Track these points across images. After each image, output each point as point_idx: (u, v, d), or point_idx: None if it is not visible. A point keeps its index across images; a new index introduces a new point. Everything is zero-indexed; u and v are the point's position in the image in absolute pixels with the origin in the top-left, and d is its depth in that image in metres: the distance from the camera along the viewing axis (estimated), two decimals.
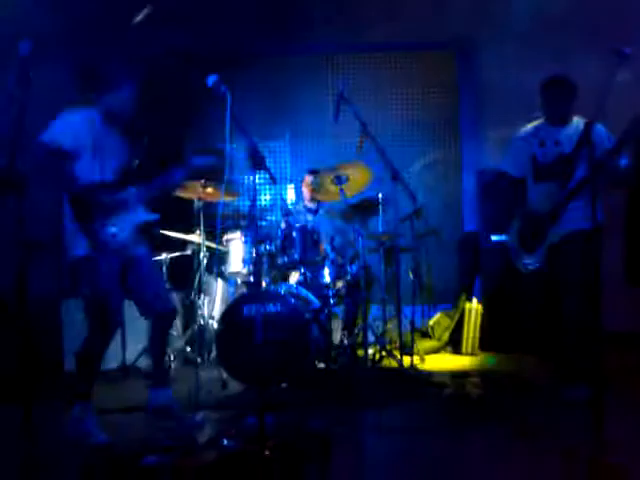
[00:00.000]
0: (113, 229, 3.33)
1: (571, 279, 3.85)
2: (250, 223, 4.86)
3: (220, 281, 5.26)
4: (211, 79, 3.01)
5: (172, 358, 5.04)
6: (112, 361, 4.76)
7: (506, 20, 5.82)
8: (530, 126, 4.17)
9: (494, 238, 5.54)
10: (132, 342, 4.90)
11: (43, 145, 3.27)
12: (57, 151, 3.27)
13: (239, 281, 5.03)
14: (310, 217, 5.51)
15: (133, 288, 3.54)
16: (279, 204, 5.63)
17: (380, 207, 5.12)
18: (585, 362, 3.50)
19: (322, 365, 4.62)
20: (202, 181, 4.65)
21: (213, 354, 4.71)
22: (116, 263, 3.40)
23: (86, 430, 3.27)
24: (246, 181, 6.12)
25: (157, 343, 3.71)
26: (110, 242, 3.32)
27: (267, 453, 2.61)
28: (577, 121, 3.97)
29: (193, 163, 3.60)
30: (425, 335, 5.87)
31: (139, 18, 5.64)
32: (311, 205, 5.57)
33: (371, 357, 4.89)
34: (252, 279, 4.80)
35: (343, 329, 5.20)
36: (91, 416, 3.33)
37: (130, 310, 4.50)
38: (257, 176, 3.00)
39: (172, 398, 3.64)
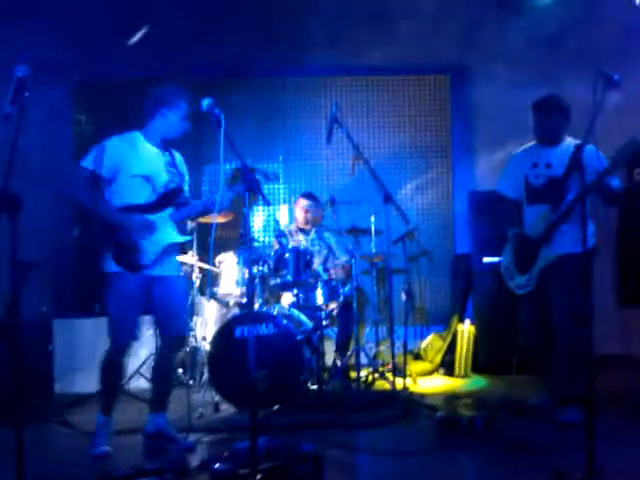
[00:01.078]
0: (140, 250, 3.42)
1: (563, 302, 3.86)
2: (243, 244, 4.85)
3: (213, 302, 5.24)
4: (205, 102, 3.02)
5: None
6: None
7: (498, 44, 5.90)
8: (525, 147, 4.20)
9: (486, 260, 5.55)
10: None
11: (80, 170, 3.43)
12: (92, 176, 3.43)
13: (231, 302, 5.02)
14: (303, 239, 5.51)
15: (153, 307, 3.60)
16: (272, 225, 5.63)
17: (372, 229, 5.14)
18: (577, 384, 3.50)
19: (314, 387, 4.60)
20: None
21: (205, 376, 4.68)
22: (138, 282, 3.46)
23: (94, 440, 3.43)
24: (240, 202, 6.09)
25: (161, 367, 3.70)
26: (135, 262, 3.41)
27: (259, 477, 2.59)
28: (569, 142, 3.99)
29: (225, 205, 3.61)
30: (417, 357, 5.85)
31: (136, 38, 5.68)
32: (305, 227, 5.58)
33: (363, 379, 4.87)
34: (244, 300, 4.78)
35: (336, 351, 5.19)
36: (105, 429, 3.47)
37: None
38: (250, 197, 3.00)
39: (168, 422, 3.64)
